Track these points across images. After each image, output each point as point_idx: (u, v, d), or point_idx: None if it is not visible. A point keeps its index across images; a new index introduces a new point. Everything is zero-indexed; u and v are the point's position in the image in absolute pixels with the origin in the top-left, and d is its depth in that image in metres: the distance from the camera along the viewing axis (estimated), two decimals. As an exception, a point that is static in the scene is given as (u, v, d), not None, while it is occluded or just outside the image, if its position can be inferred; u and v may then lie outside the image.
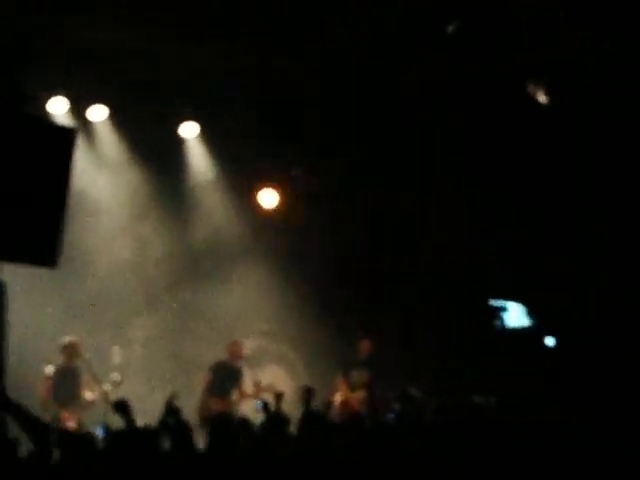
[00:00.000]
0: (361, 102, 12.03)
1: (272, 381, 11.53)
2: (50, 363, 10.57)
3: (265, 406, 7.44)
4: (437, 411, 7.64)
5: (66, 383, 10.53)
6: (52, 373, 10.43)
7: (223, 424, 6.59)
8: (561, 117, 11.50)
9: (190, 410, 9.55)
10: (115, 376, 10.61)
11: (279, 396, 8.26)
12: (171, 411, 6.65)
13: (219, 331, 12.24)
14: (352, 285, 12.98)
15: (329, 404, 8.36)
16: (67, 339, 10.76)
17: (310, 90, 12.05)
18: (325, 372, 11.83)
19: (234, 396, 11.33)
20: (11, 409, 5.61)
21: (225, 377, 11.29)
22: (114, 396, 10.29)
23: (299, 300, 12.85)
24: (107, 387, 10.45)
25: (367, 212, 13.07)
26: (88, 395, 10.58)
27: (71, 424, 10.09)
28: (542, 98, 11.20)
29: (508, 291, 12.96)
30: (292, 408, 8.18)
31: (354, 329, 12.44)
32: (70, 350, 10.62)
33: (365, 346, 11.92)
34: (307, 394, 7.43)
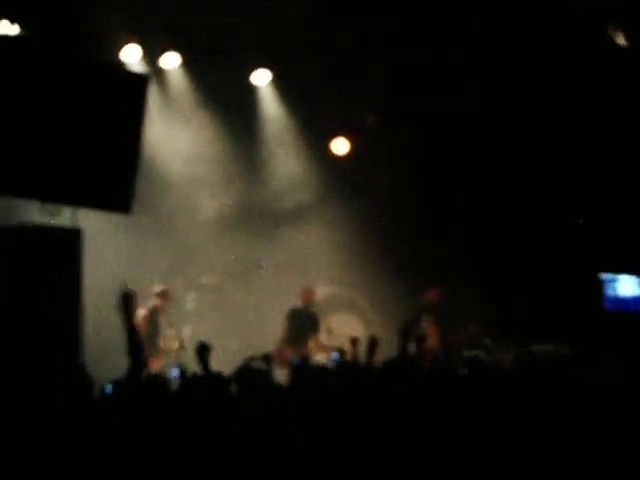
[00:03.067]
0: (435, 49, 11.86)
1: (344, 328, 11.54)
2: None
3: (342, 356, 7.38)
4: (516, 361, 7.52)
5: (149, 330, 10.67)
6: (145, 314, 10.55)
7: (303, 369, 6.63)
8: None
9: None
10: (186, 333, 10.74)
11: (355, 341, 8.15)
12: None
13: (292, 277, 12.22)
14: (424, 235, 12.92)
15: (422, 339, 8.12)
16: (160, 287, 10.95)
17: (386, 38, 11.92)
18: (397, 319, 11.75)
19: (311, 344, 11.31)
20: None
21: (302, 324, 11.30)
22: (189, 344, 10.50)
23: (368, 248, 12.79)
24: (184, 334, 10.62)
25: (439, 162, 12.95)
26: (165, 343, 10.73)
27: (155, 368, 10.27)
28: (622, 41, 10.87)
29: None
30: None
31: (423, 277, 12.38)
32: (162, 297, 10.83)
33: (433, 294, 11.86)
34: (372, 344, 7.24)
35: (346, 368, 6.87)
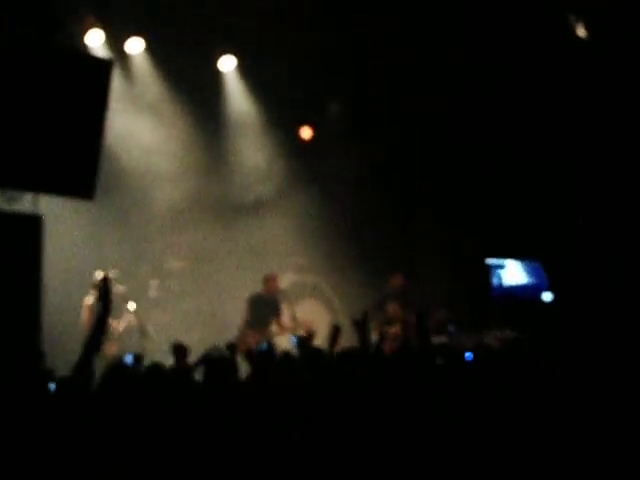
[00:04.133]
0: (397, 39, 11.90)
1: (309, 315, 11.57)
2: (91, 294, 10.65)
3: (300, 341, 7.39)
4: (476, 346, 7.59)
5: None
6: (91, 303, 10.51)
7: (266, 356, 6.62)
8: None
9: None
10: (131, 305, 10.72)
11: (311, 335, 8.16)
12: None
13: (255, 265, 12.23)
14: (388, 221, 13.00)
15: (382, 339, 8.17)
16: (100, 274, 10.87)
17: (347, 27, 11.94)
18: (361, 305, 11.79)
19: (273, 328, 11.35)
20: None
21: (263, 309, 11.30)
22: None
23: (333, 235, 12.85)
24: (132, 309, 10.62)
25: (400, 149, 13.01)
26: (118, 325, 10.69)
27: (112, 352, 10.25)
28: (581, 32, 10.95)
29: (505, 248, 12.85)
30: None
31: (386, 263, 12.46)
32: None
33: (397, 279, 11.93)
34: (334, 332, 7.26)
35: (308, 354, 6.88)
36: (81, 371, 5.36)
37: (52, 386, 5.55)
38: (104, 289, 5.74)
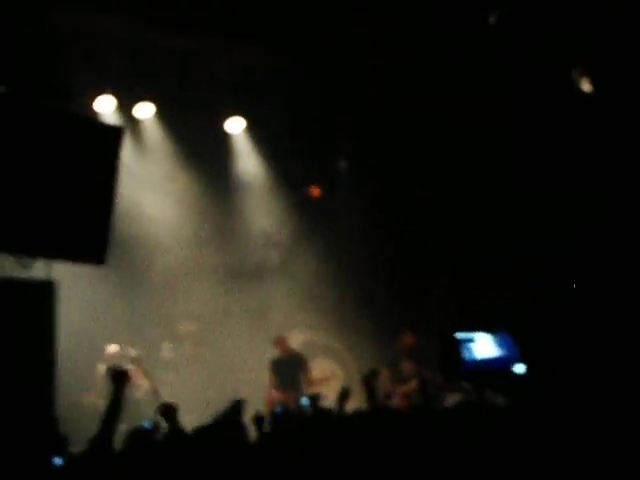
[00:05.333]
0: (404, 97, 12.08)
1: (323, 373, 11.58)
2: (101, 363, 10.68)
3: (312, 401, 7.39)
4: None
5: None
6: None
7: (283, 418, 6.63)
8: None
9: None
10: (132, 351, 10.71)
11: (345, 394, 8.04)
12: (237, 410, 6.63)
13: (264, 326, 12.27)
14: (393, 279, 13.10)
15: (388, 397, 8.21)
16: (111, 347, 10.92)
17: (354, 86, 12.12)
18: (374, 362, 11.78)
19: (303, 384, 11.37)
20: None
21: (286, 371, 11.38)
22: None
23: (342, 293, 12.91)
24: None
25: (412, 207, 13.13)
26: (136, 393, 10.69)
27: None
28: (586, 86, 11.05)
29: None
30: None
31: (396, 322, 12.48)
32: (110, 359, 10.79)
33: (408, 338, 11.94)
34: (343, 394, 7.31)
35: (320, 416, 6.89)
36: (98, 447, 5.41)
37: (58, 461, 5.57)
38: (118, 382, 5.85)
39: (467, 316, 12.34)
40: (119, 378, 5.94)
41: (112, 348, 10.96)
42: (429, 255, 13.25)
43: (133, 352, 10.67)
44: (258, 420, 6.59)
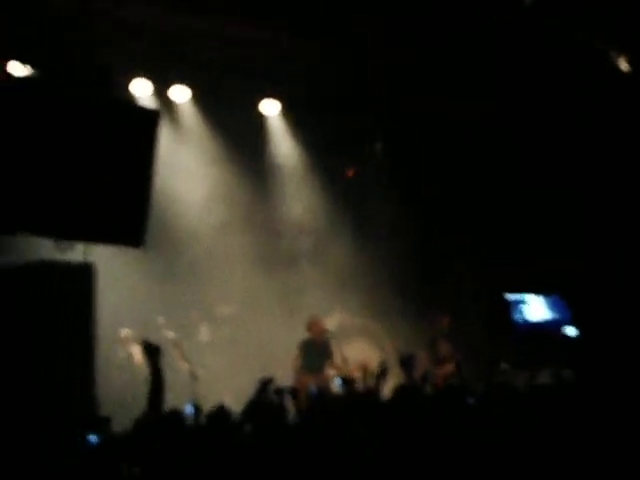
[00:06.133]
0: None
1: (360, 355, 11.56)
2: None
3: (345, 383, 7.41)
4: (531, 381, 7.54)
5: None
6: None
7: (317, 400, 6.66)
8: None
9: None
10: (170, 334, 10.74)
11: (365, 368, 8.15)
12: (264, 391, 6.66)
13: (301, 308, 12.29)
14: (431, 263, 13.13)
15: (425, 377, 8.21)
16: (123, 332, 10.99)
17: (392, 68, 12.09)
18: (411, 344, 11.77)
19: (328, 371, 11.30)
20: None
21: (314, 354, 11.27)
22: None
23: (377, 276, 12.90)
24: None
25: (447, 189, 13.09)
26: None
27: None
28: (624, 66, 10.93)
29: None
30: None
31: (433, 304, 12.48)
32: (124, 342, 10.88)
33: (445, 320, 11.92)
34: (382, 371, 7.34)
35: (353, 397, 6.92)
36: (144, 426, 5.47)
37: (93, 439, 5.64)
38: (153, 356, 5.90)
39: (519, 278, 12.30)
40: (152, 352, 5.96)
41: (125, 332, 11.01)
42: (463, 238, 13.23)
43: (171, 334, 10.74)
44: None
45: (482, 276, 13.03)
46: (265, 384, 6.73)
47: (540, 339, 12.03)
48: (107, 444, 5.47)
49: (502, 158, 12.74)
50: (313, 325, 11.47)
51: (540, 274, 12.28)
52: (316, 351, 11.30)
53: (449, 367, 11.49)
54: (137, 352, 10.48)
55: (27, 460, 5.34)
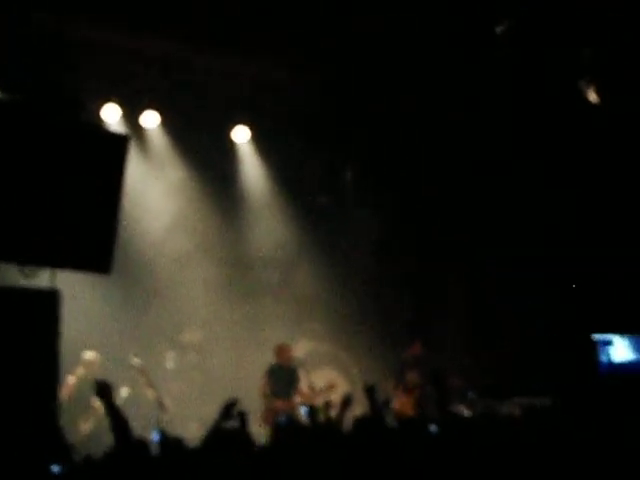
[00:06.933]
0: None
1: (327, 383, 11.53)
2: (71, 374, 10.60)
3: (311, 412, 7.35)
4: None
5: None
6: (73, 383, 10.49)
7: (289, 427, 6.58)
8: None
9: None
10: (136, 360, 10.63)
11: (327, 404, 8.06)
12: (228, 414, 6.58)
13: (269, 335, 12.24)
14: (401, 286, 13.03)
15: (387, 403, 8.19)
16: (88, 354, 10.86)
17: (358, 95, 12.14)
18: (379, 374, 11.75)
19: (295, 397, 11.24)
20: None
21: (282, 379, 11.20)
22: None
23: (348, 304, 12.89)
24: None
25: (417, 213, 13.11)
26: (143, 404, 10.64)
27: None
28: (592, 97, 11.04)
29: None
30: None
31: (403, 331, 12.44)
32: (89, 365, 10.74)
33: (416, 348, 11.88)
34: (345, 402, 7.30)
35: (317, 427, 6.87)
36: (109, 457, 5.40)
37: (55, 468, 5.55)
38: (105, 394, 5.84)
39: (600, 317, 12.16)
40: (103, 391, 5.90)
41: (89, 355, 10.88)
42: (438, 264, 13.23)
43: (137, 361, 10.63)
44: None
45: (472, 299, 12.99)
46: (229, 407, 6.63)
47: (625, 380, 11.90)
48: (70, 474, 5.38)
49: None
50: (281, 351, 11.41)
51: (627, 314, 12.16)
52: (284, 377, 11.24)
53: (415, 395, 11.49)
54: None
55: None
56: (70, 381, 10.44)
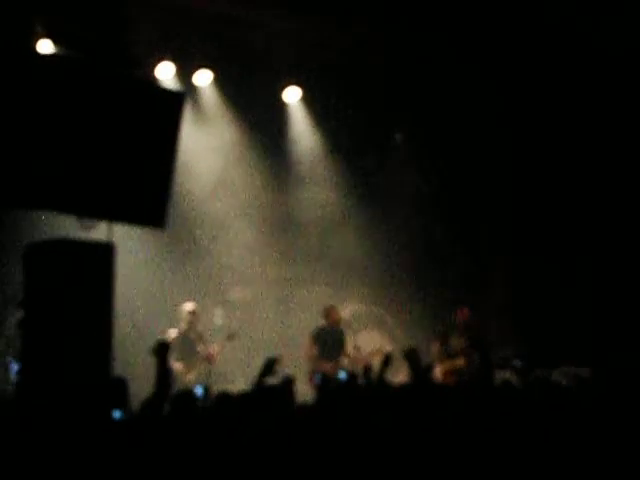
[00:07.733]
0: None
1: (371, 345, 11.59)
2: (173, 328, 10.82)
3: (349, 376, 7.32)
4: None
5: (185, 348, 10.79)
6: (173, 338, 10.64)
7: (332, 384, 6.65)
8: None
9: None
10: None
11: (387, 360, 8.04)
12: (269, 371, 6.63)
13: (317, 295, 12.33)
14: (453, 253, 13.05)
15: (429, 368, 8.15)
16: (188, 306, 11.03)
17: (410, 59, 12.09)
18: (424, 337, 11.79)
19: (342, 360, 11.30)
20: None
21: (329, 341, 11.27)
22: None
23: (398, 266, 12.90)
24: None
25: (465, 183, 13.08)
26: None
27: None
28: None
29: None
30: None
31: (450, 295, 12.46)
32: (191, 317, 10.92)
33: (463, 313, 11.84)
34: (385, 361, 7.19)
35: (359, 389, 6.87)
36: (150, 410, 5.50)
37: (117, 414, 5.67)
38: (160, 354, 5.93)
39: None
40: (162, 350, 6.02)
41: (189, 306, 11.05)
42: (483, 231, 13.22)
43: (190, 306, 10.92)
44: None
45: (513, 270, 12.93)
46: (271, 363, 6.67)
47: None
48: (129, 421, 5.52)
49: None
50: (329, 313, 11.46)
51: None
52: (331, 339, 11.31)
53: (460, 362, 11.44)
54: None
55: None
56: (172, 334, 10.63)
